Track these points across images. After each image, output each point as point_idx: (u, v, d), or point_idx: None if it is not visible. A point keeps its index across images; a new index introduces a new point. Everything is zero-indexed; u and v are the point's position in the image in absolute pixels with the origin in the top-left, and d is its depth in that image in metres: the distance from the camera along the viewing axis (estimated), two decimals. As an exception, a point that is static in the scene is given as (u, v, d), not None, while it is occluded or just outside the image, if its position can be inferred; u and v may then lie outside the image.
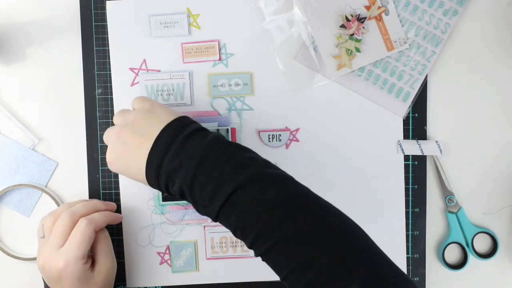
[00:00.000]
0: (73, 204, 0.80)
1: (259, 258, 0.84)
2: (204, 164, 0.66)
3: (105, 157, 0.83)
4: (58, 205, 0.84)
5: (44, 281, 0.78)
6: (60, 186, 0.86)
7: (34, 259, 0.85)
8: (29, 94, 0.85)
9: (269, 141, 0.84)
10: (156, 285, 0.87)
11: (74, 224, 0.76)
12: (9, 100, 0.85)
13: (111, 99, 0.84)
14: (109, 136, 0.74)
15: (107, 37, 0.84)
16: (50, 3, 0.84)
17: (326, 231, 0.62)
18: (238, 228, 0.64)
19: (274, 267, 0.63)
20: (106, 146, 0.83)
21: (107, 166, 0.75)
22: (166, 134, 0.69)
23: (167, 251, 0.86)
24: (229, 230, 0.68)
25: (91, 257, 0.78)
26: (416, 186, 0.85)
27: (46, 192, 0.85)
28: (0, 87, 0.85)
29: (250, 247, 0.65)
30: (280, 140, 0.84)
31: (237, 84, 0.83)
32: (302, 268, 0.60)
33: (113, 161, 0.73)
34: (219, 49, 0.83)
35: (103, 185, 0.86)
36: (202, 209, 0.67)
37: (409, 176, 0.85)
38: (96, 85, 0.84)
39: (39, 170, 0.85)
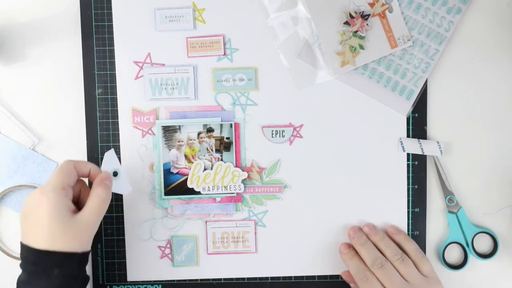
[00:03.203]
0: None
1: (261, 254, 0.85)
2: None
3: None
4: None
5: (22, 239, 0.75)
6: (60, 186, 0.86)
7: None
8: (29, 94, 0.85)
9: (272, 137, 0.84)
10: (157, 279, 0.86)
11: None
12: (9, 100, 0.85)
13: (111, 99, 0.84)
14: None
15: (107, 37, 0.84)
16: (50, 3, 0.84)
17: None
18: None
19: None
20: (106, 146, 0.85)
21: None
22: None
23: (168, 245, 0.86)
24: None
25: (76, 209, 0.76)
26: (416, 186, 0.85)
27: (46, 193, 0.84)
28: (0, 87, 0.84)
29: None
30: (283, 136, 0.84)
31: (241, 79, 0.84)
32: None
33: None
34: (224, 44, 0.83)
35: (102, 184, 0.85)
36: None
37: (409, 176, 0.85)
38: (96, 85, 0.84)
39: (39, 170, 0.85)
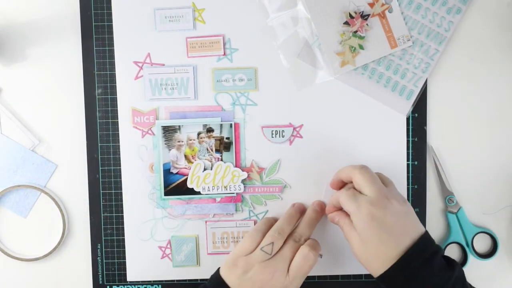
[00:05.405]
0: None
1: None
2: None
3: (105, 157, 0.85)
4: (58, 205, 0.84)
5: None
6: (59, 187, 0.86)
7: (33, 259, 0.85)
8: (29, 94, 0.85)
9: (272, 137, 0.84)
10: (157, 279, 0.86)
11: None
12: (10, 100, 0.85)
13: (111, 99, 0.84)
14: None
15: (107, 37, 0.84)
16: (50, 3, 0.84)
17: None
18: None
19: None
20: (106, 146, 0.85)
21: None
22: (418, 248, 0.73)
23: (169, 246, 0.86)
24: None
25: None
26: (416, 186, 0.85)
27: (46, 193, 0.84)
28: (0, 87, 0.84)
29: None
30: (283, 136, 0.84)
31: (241, 79, 0.84)
32: None
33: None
34: (224, 44, 0.83)
35: (103, 185, 0.85)
36: None
37: (409, 176, 0.85)
38: (96, 85, 0.84)
39: (38, 171, 0.85)
